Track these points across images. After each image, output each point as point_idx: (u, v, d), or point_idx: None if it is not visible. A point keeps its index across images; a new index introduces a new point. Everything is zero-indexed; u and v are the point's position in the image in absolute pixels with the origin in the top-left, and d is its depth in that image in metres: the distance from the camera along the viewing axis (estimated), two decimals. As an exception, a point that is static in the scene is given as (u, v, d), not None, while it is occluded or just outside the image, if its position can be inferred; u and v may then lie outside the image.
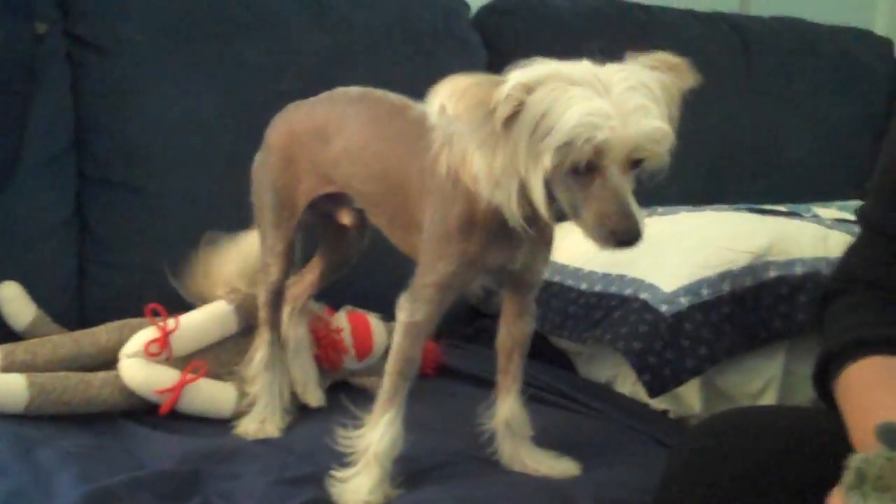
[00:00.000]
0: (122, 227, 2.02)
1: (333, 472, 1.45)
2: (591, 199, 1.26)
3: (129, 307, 1.83)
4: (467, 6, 2.49)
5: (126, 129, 2.02)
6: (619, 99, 1.23)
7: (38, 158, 1.93)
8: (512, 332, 1.57)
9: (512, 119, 1.25)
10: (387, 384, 1.47)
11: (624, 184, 1.26)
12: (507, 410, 1.57)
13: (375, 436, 1.44)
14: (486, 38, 2.46)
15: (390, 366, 1.47)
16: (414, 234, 1.48)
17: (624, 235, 1.26)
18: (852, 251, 1.47)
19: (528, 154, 1.24)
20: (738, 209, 2.21)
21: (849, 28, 3.02)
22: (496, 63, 2.40)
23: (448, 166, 1.37)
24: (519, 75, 1.26)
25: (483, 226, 1.39)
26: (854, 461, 1.07)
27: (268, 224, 1.68)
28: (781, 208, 2.22)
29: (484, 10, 2.57)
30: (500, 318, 1.59)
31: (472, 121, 1.26)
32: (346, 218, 1.70)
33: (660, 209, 2.22)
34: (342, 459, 1.46)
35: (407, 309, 1.46)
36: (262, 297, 1.70)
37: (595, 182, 1.25)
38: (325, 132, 1.60)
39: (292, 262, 1.72)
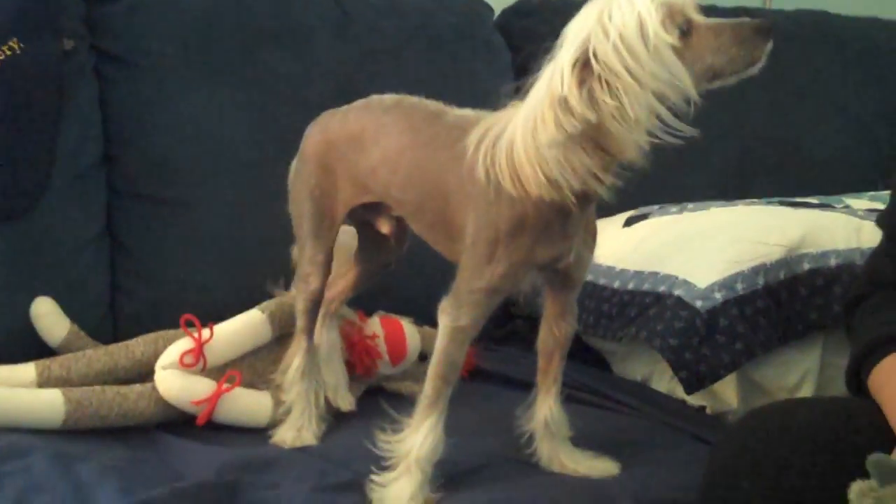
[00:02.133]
0: (153, 240, 2.02)
1: (373, 477, 1.44)
2: (713, 40, 1.28)
3: (163, 319, 1.84)
4: (490, 9, 2.49)
5: (154, 142, 2.03)
6: None
7: (69, 174, 1.94)
8: (554, 332, 1.57)
9: (587, 71, 1.26)
10: (429, 389, 1.46)
11: None
12: (546, 411, 1.57)
13: (417, 440, 1.44)
14: (509, 41, 2.46)
15: (433, 370, 1.46)
16: (457, 240, 1.47)
17: (766, 24, 1.29)
18: (875, 256, 1.49)
19: (643, 60, 1.25)
20: (769, 202, 2.20)
21: (874, 19, 2.99)
22: (520, 65, 2.43)
23: (487, 171, 1.36)
24: (565, 54, 1.29)
25: (534, 225, 1.38)
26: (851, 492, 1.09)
27: (307, 234, 1.66)
28: (813, 200, 2.20)
29: (507, 12, 2.57)
30: (542, 319, 1.58)
31: (564, 126, 1.27)
32: (384, 227, 1.69)
33: (690, 205, 2.21)
34: (380, 464, 1.46)
35: (451, 314, 1.45)
36: (301, 305, 1.69)
37: (701, 32, 1.28)
38: (361, 141, 1.59)
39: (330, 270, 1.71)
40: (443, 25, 2.34)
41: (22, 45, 1.87)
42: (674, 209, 2.20)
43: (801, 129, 2.73)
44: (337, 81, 2.16)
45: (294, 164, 1.70)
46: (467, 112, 1.52)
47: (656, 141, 1.30)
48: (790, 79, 2.71)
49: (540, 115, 1.29)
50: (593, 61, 1.26)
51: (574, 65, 1.26)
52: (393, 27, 2.27)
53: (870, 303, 1.44)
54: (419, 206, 1.54)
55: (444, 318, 1.46)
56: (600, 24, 1.26)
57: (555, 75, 1.28)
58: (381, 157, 1.56)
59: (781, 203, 2.17)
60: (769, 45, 1.29)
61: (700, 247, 1.96)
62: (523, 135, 1.32)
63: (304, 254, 1.68)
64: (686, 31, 1.27)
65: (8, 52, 1.86)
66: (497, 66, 2.39)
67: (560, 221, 1.40)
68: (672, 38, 1.25)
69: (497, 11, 2.54)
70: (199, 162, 2.05)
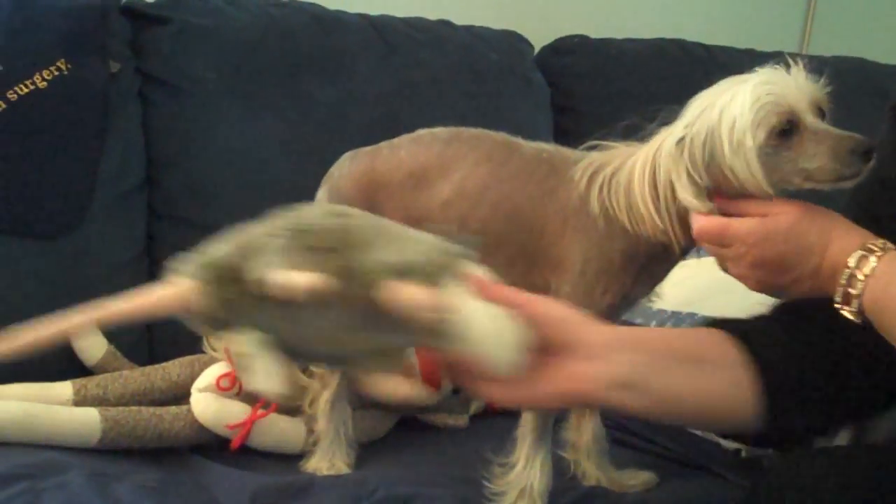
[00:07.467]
0: (191, 264, 2.02)
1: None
2: (812, 146, 1.28)
3: (197, 343, 1.84)
4: (530, 45, 2.51)
5: (195, 165, 2.04)
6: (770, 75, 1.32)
7: (110, 195, 1.94)
8: None
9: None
10: (533, 421, 1.46)
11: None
12: (589, 429, 1.60)
13: (534, 475, 1.45)
14: (549, 77, 2.47)
15: None
16: (541, 270, 1.49)
17: (864, 145, 1.26)
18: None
19: (726, 156, 1.28)
20: (806, 247, 2.18)
21: (911, 67, 3.00)
22: (559, 101, 2.44)
23: (603, 205, 1.40)
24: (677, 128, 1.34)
25: (640, 261, 1.42)
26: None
27: None
28: (851, 247, 2.19)
29: (546, 49, 2.59)
30: None
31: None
32: None
33: (727, 247, 2.20)
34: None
35: None
36: None
37: (805, 135, 1.28)
38: (424, 177, 1.54)
39: None
40: (484, 60, 2.35)
41: (69, 66, 1.89)
42: (713, 251, 2.19)
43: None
44: (377, 111, 2.17)
45: (321, 200, 1.66)
46: (543, 145, 1.53)
47: None
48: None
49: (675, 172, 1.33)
50: (687, 145, 1.31)
51: (677, 143, 1.32)
52: (434, 59, 2.28)
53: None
54: (502, 239, 1.51)
55: None
56: (702, 109, 1.31)
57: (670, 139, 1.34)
58: (457, 190, 1.52)
59: (819, 248, 2.15)
60: (868, 165, 1.27)
61: (740, 289, 1.95)
62: (641, 182, 1.36)
63: None
64: (788, 130, 1.28)
65: (55, 73, 1.87)
66: (536, 101, 2.40)
67: (659, 262, 1.45)
68: (756, 142, 1.26)
69: (536, 48, 2.55)
70: (238, 186, 2.06)
